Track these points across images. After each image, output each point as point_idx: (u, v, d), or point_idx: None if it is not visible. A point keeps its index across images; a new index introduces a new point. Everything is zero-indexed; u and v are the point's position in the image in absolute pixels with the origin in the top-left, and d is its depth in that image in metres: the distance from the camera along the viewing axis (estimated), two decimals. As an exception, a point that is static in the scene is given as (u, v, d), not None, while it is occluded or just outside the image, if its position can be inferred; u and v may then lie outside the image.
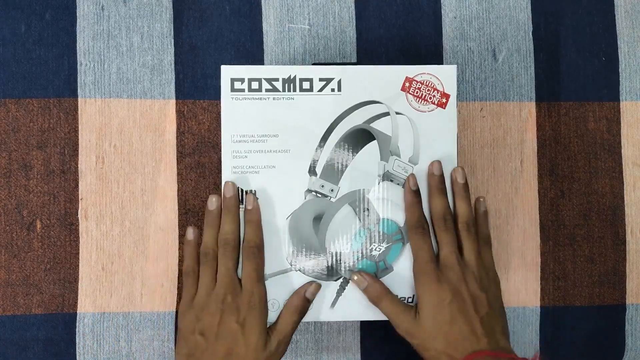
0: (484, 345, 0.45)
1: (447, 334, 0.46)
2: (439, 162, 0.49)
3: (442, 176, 0.50)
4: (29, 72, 0.55)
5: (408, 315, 0.48)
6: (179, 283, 0.55)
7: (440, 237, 0.49)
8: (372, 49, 0.57)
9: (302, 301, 0.49)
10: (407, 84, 0.50)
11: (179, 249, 0.55)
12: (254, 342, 0.46)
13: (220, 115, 0.49)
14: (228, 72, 0.49)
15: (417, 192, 0.49)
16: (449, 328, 0.46)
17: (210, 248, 0.49)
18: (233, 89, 0.49)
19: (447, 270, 0.47)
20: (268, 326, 0.48)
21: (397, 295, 0.49)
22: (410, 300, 0.50)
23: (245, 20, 0.56)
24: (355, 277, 0.49)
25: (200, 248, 0.50)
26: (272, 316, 0.49)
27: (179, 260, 0.55)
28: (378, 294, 0.49)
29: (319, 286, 0.49)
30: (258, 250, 0.49)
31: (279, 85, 0.49)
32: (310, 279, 0.50)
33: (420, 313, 0.47)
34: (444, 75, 0.50)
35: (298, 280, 0.49)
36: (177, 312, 0.55)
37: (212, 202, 0.50)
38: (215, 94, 0.56)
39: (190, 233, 0.51)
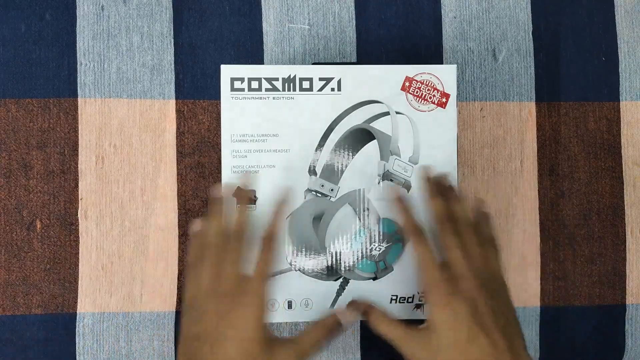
0: None
1: (466, 352, 0.41)
2: (429, 166, 0.49)
3: (437, 177, 0.48)
4: (29, 72, 0.55)
5: (417, 336, 0.43)
6: (179, 283, 0.55)
7: (445, 240, 0.44)
8: (372, 49, 0.57)
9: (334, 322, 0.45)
10: (407, 84, 0.50)
11: (179, 248, 0.55)
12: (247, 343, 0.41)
13: (220, 115, 0.49)
14: (228, 71, 0.49)
15: (400, 199, 0.47)
16: (467, 346, 0.41)
17: (213, 240, 0.44)
18: (233, 89, 0.49)
19: (460, 279, 0.42)
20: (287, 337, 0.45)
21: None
22: (410, 299, 0.50)
23: (245, 20, 0.56)
24: (346, 312, 0.46)
25: (203, 240, 0.45)
26: (270, 316, 0.49)
27: (179, 260, 0.55)
28: (377, 316, 0.45)
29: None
30: (270, 241, 0.44)
31: (278, 84, 0.49)
32: (310, 278, 0.49)
33: (434, 331, 0.42)
34: (443, 75, 0.50)
35: (298, 280, 0.49)
36: (176, 312, 0.55)
37: (219, 188, 0.46)
38: (215, 94, 0.56)
39: (198, 224, 0.46)
